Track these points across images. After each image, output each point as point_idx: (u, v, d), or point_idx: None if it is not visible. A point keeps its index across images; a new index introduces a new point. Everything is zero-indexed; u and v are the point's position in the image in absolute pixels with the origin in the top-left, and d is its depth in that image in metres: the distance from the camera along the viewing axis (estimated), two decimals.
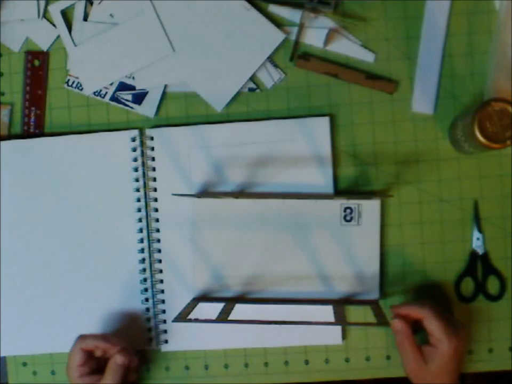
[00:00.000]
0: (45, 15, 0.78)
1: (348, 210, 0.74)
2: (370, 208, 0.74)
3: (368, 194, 0.75)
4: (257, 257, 0.75)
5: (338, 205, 0.74)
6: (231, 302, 0.73)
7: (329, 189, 0.75)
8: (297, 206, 0.74)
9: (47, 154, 0.77)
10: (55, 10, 0.77)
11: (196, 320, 0.72)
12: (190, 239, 0.76)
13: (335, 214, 0.74)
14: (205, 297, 0.75)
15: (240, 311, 0.71)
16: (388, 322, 0.68)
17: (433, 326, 0.67)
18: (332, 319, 0.70)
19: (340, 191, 0.75)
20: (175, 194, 0.73)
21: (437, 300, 0.75)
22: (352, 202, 0.74)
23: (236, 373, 0.77)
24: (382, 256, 0.75)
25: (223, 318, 0.69)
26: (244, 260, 0.75)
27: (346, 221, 0.74)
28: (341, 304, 0.73)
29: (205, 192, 0.75)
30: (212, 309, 0.72)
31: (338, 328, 0.75)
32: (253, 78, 0.77)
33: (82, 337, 0.71)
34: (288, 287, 0.74)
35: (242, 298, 0.75)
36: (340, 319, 0.70)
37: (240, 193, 0.75)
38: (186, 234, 0.76)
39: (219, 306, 0.72)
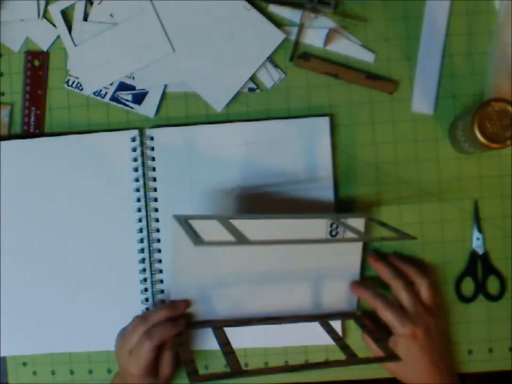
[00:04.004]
0: (45, 15, 0.78)
1: (334, 226, 0.73)
2: (355, 224, 0.72)
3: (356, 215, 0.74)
4: (240, 275, 0.72)
5: (324, 220, 0.72)
6: (218, 328, 0.71)
7: (329, 189, 0.75)
8: (284, 223, 0.71)
9: (47, 154, 0.77)
10: (55, 10, 0.77)
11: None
12: (171, 263, 0.71)
13: (321, 230, 0.72)
14: (191, 324, 0.73)
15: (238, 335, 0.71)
16: (398, 358, 0.67)
17: (385, 314, 0.69)
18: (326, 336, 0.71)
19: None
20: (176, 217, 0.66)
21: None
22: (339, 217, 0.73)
23: None
24: (381, 255, 0.75)
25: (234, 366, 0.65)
26: (226, 279, 0.72)
27: (332, 236, 0.73)
28: (325, 319, 0.73)
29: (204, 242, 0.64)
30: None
31: (338, 328, 0.75)
32: (253, 78, 0.77)
33: (149, 333, 0.68)
34: (273, 303, 0.73)
35: (229, 322, 0.72)
36: (337, 338, 0.70)
37: (232, 217, 0.70)
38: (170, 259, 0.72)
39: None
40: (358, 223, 0.72)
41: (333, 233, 0.72)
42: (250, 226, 0.66)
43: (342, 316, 0.75)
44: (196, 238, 0.59)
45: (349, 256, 0.73)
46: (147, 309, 0.76)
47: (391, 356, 0.67)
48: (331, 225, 0.72)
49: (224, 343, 0.68)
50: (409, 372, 0.70)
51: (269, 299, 0.73)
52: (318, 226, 0.72)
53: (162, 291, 0.76)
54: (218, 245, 0.59)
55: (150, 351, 0.68)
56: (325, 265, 0.73)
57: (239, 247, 0.70)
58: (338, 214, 0.74)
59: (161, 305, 0.73)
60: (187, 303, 0.72)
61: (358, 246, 0.74)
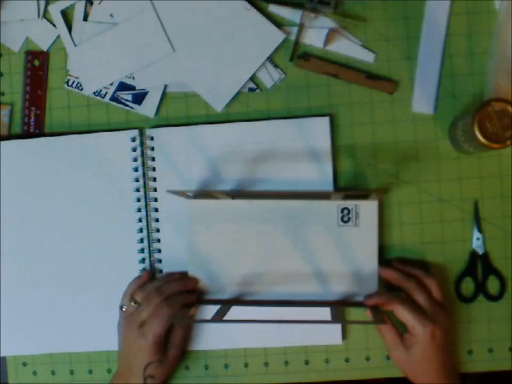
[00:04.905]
0: (45, 15, 0.78)
1: (345, 211, 0.73)
2: (367, 209, 0.73)
3: (364, 191, 0.74)
4: (253, 259, 0.74)
5: (335, 206, 0.73)
6: (227, 304, 0.72)
7: (329, 189, 0.75)
8: (294, 207, 0.74)
9: (47, 154, 0.77)
10: (55, 10, 0.77)
11: (197, 320, 0.72)
12: (185, 239, 0.75)
13: (332, 215, 0.73)
14: (201, 300, 0.74)
15: (238, 310, 0.71)
16: (385, 321, 0.69)
17: (404, 315, 0.68)
18: (330, 324, 0.70)
19: (338, 189, 0.75)
20: (170, 191, 0.71)
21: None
22: (349, 203, 0.73)
23: (236, 373, 0.77)
24: (382, 256, 0.75)
25: (218, 318, 0.68)
26: (240, 262, 0.74)
27: (344, 221, 0.73)
28: (338, 305, 0.73)
29: (201, 192, 0.74)
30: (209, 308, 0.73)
31: (338, 328, 0.75)
32: (253, 78, 0.77)
33: (168, 303, 0.70)
34: (285, 289, 0.74)
35: (239, 301, 0.74)
36: (338, 318, 0.70)
37: (237, 193, 0.75)
38: (186, 234, 0.76)
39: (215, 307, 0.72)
40: (371, 205, 0.73)
41: (345, 219, 0.72)
42: (260, 213, 0.72)
43: (359, 304, 0.73)
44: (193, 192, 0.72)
45: (364, 242, 0.73)
46: None
47: (379, 320, 0.68)
48: (342, 210, 0.72)
49: (223, 309, 0.70)
50: (420, 371, 0.70)
51: (281, 282, 0.74)
52: (329, 212, 0.73)
53: None
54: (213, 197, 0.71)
55: (168, 317, 0.69)
56: (339, 252, 0.73)
57: (253, 234, 0.74)
58: (343, 192, 0.74)
59: (173, 279, 0.74)
60: (197, 280, 0.74)
61: (373, 232, 0.73)
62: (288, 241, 0.74)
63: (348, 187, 0.76)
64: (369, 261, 0.73)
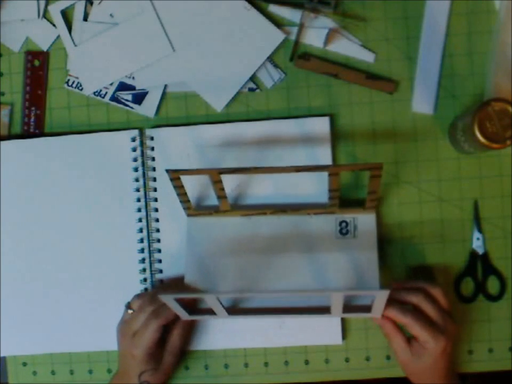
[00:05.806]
0: (45, 15, 0.78)
1: (343, 224, 0.73)
2: (365, 221, 0.73)
3: (361, 165, 0.73)
4: (252, 272, 0.73)
5: (333, 219, 0.73)
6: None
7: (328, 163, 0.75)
8: (292, 222, 0.74)
9: (47, 154, 0.77)
10: (55, 10, 0.77)
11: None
12: (185, 240, 0.75)
13: (330, 228, 0.73)
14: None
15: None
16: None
17: (417, 331, 0.67)
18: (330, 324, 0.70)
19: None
20: (170, 170, 0.68)
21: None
22: (347, 216, 0.73)
23: (236, 373, 0.77)
24: (382, 257, 0.75)
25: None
26: (238, 276, 0.73)
27: (342, 234, 0.73)
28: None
29: (200, 170, 0.70)
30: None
31: (338, 328, 0.75)
32: (253, 78, 0.77)
33: (157, 311, 0.69)
34: (285, 298, 0.72)
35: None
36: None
37: (234, 205, 0.74)
38: (185, 248, 0.75)
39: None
40: (369, 218, 0.73)
41: (343, 231, 0.72)
42: (258, 229, 0.72)
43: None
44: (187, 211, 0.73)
45: (364, 253, 0.72)
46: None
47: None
48: (340, 223, 0.72)
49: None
50: (425, 376, 0.69)
51: (276, 282, 0.73)
52: (327, 225, 0.72)
53: None
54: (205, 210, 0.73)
55: (156, 329, 0.69)
56: (339, 264, 0.72)
57: (252, 249, 0.73)
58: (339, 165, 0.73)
59: (170, 287, 0.74)
60: (196, 289, 0.73)
61: (372, 243, 0.73)
62: (287, 255, 0.73)
63: (345, 164, 0.75)
64: (370, 271, 0.72)
